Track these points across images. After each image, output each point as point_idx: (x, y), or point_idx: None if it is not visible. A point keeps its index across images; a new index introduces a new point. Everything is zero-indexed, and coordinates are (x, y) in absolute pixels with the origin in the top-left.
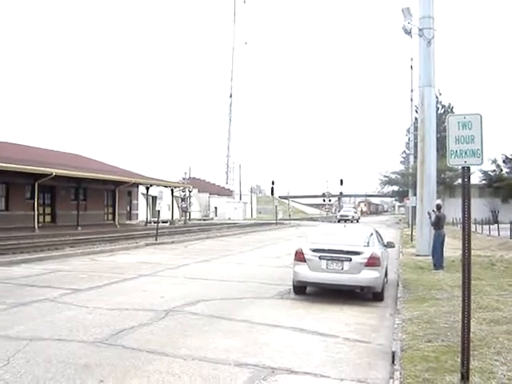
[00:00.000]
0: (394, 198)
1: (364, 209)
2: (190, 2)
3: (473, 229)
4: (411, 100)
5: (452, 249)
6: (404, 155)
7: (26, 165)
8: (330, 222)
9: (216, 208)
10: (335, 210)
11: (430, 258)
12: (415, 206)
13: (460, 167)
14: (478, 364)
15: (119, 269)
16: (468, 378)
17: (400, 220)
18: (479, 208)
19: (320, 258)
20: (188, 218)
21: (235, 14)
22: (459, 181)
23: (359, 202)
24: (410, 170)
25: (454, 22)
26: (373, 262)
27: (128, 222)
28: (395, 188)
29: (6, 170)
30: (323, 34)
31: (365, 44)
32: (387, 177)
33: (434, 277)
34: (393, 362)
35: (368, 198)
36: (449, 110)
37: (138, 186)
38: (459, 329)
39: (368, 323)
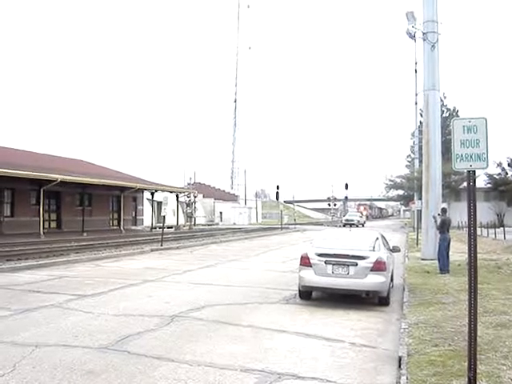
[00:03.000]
0: (399, 202)
1: (364, 213)
2: (195, 7)
3: (478, 232)
4: (416, 104)
5: (458, 252)
6: (409, 159)
7: (32, 171)
8: (336, 226)
9: (221, 213)
10: (340, 214)
11: (436, 262)
12: (420, 210)
13: (465, 171)
14: (485, 368)
15: (124, 274)
16: (475, 383)
17: (405, 224)
18: (485, 211)
19: (326, 262)
20: (193, 223)
21: (239, 18)
22: (465, 184)
23: (358, 205)
24: (415, 174)
25: (458, 25)
26: (378, 267)
27: (133, 227)
28: (400, 192)
29: (11, 176)
30: (327, 39)
31: (369, 48)
32: (392, 181)
33: (440, 281)
34: (399, 366)
35: (373, 202)
36: (454, 114)
37: (143, 192)
38: (466, 333)
39: (374, 328)
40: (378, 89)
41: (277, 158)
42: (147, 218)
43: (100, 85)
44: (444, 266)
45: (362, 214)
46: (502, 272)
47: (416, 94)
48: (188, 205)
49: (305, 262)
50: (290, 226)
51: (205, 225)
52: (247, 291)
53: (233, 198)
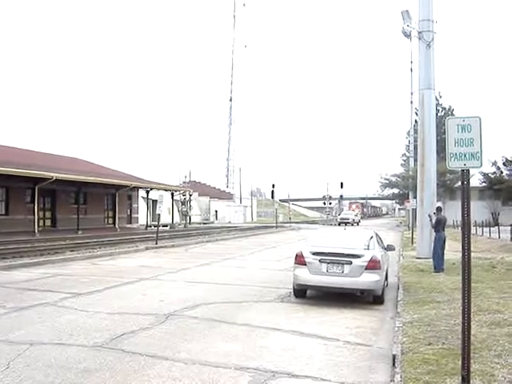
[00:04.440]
0: (394, 201)
1: (356, 211)
2: (190, 6)
3: (473, 231)
4: (411, 103)
5: (453, 251)
6: (404, 158)
7: (26, 169)
8: (331, 225)
9: (216, 211)
10: (335, 212)
11: (431, 260)
12: (415, 209)
13: (460, 170)
14: (479, 367)
15: (119, 273)
16: (469, 381)
17: (400, 223)
18: (479, 210)
19: (320, 261)
20: (188, 221)
21: (235, 17)
22: (460, 183)
23: (350, 203)
24: (411, 173)
25: (454, 24)
26: (373, 265)
27: (128, 225)
28: (395, 191)
29: (6, 174)
30: (323, 37)
31: (365, 47)
32: (387, 179)
33: (435, 279)
34: (393, 365)
35: (368, 200)
36: (449, 113)
37: (138, 190)
38: (460, 331)
39: (368, 326)
40: (373, 88)
41: (272, 157)
42: (142, 216)
43: (96, 83)
44: (439, 264)
45: (356, 212)
46: (496, 271)
47: (411, 93)
48: (183, 203)
49: (299, 260)
50: (285, 225)
51: (200, 223)
52: (242, 289)
53: (228, 196)
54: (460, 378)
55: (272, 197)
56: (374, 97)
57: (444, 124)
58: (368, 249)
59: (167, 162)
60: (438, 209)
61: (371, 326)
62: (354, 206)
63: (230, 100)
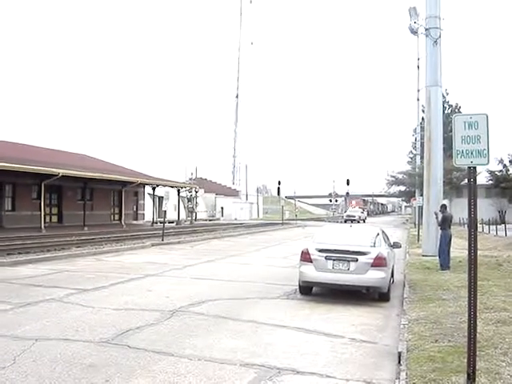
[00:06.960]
0: (400, 199)
1: (357, 208)
2: (197, 3)
3: (479, 229)
4: (418, 100)
5: (459, 249)
6: (411, 155)
7: (33, 165)
8: (337, 222)
9: (222, 208)
10: (342, 210)
11: (437, 258)
12: (422, 207)
13: (466, 167)
14: (485, 365)
15: (125, 269)
16: (474, 379)
17: (407, 220)
18: (486, 208)
19: (326, 258)
20: (194, 218)
21: (241, 14)
22: (466, 181)
23: (350, 199)
24: (417, 170)
25: (461, 20)
26: (379, 263)
27: (134, 222)
28: (402, 188)
29: (12, 171)
30: (329, 33)
31: (371, 44)
32: (394, 177)
33: (441, 277)
34: (399, 362)
35: (374, 197)
36: (456, 110)
37: (144, 187)
38: (465, 329)
39: (374, 323)
40: (380, 85)
41: (278, 154)
42: (148, 212)
43: (102, 79)
44: (445, 262)
45: (356, 208)
46: (502, 269)
47: (418, 90)
48: (189, 200)
49: (305, 257)
50: (291, 222)
51: (206, 220)
52: (248, 286)
53: (234, 193)
54: (466, 375)
55: (278, 194)
56: (381, 94)
57: (451, 121)
58: (374, 246)
59: (174, 158)
60: (443, 206)
61: (377, 324)
62: (353, 202)
63: (237, 97)
